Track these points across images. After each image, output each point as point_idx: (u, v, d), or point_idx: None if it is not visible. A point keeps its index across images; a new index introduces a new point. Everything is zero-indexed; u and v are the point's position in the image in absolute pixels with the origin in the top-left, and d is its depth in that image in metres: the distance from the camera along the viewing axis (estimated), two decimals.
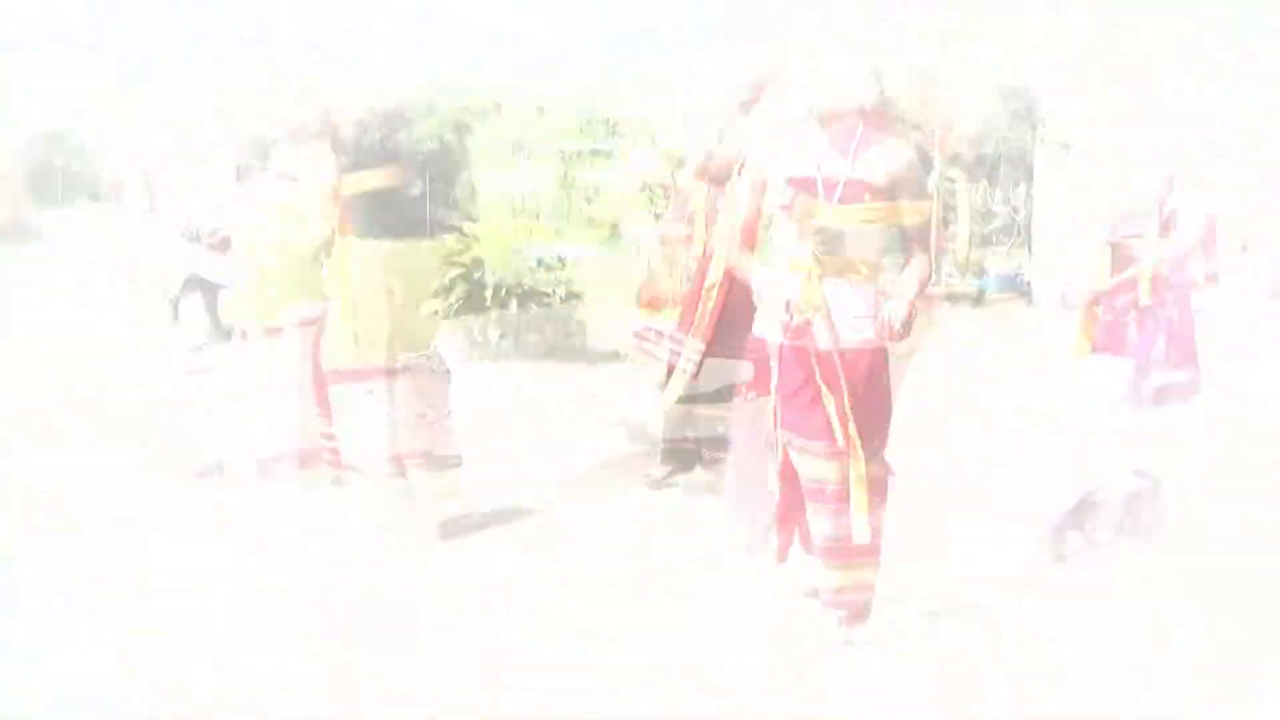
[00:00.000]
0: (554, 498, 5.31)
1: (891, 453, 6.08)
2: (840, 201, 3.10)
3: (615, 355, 9.17)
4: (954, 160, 15.25)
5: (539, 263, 8.97)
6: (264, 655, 3.61)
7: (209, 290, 5.12)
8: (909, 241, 3.23)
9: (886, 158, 3.15)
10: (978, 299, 13.06)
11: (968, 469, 5.79)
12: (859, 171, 3.13)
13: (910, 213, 3.17)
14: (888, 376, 3.24)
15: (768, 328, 3.27)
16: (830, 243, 3.09)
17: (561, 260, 9.25)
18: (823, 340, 3.12)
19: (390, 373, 8.44)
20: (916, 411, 7.13)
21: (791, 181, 3.16)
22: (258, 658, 3.59)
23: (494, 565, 4.42)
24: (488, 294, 8.73)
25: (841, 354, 3.11)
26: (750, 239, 3.24)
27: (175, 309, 6.03)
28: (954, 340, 10.09)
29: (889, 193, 3.14)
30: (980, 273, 14.77)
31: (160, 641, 3.69)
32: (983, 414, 6.98)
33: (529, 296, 8.84)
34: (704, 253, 4.90)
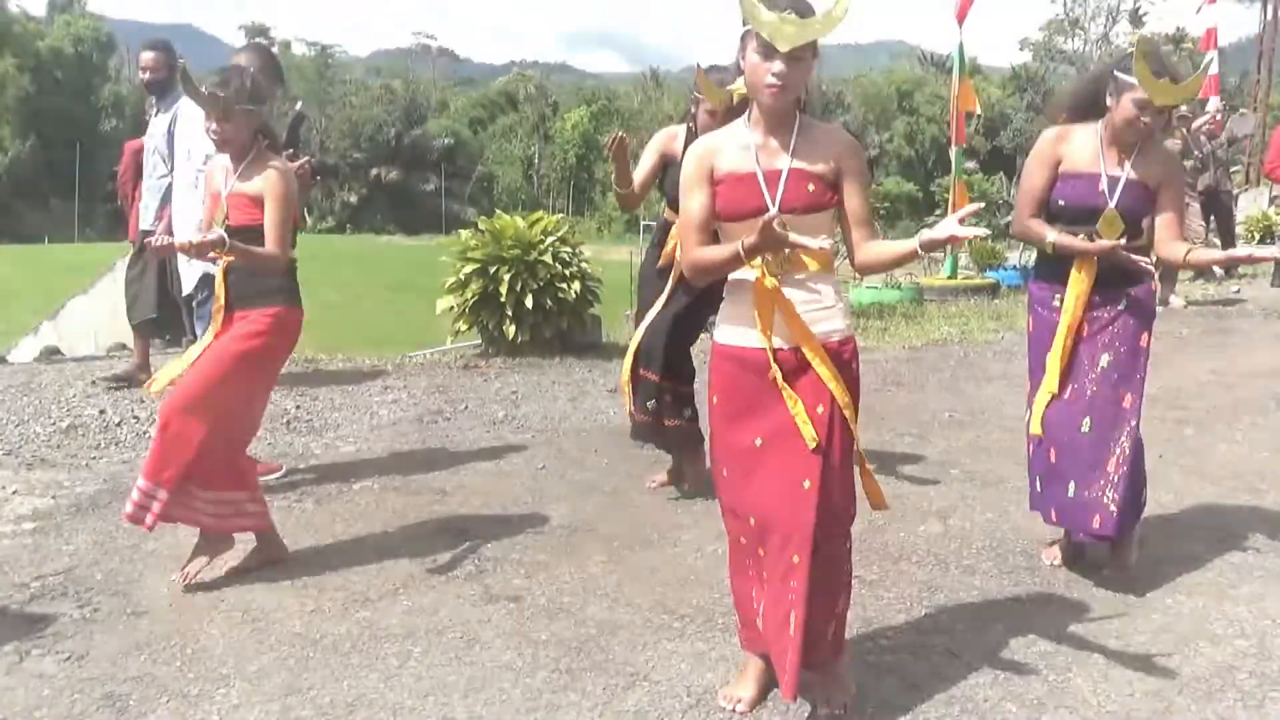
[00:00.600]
0: (567, 496, 5.30)
1: (902, 446, 6.11)
2: (784, 194, 2.98)
3: None
4: (968, 152, 15.22)
5: (554, 257, 8.95)
6: (265, 663, 3.60)
7: None
8: (860, 225, 3.05)
9: (826, 143, 3.02)
10: (994, 291, 13.06)
11: (981, 462, 5.76)
12: (800, 161, 3.00)
13: (857, 197, 3.03)
14: (857, 366, 3.12)
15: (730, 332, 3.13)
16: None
17: (577, 255, 9.24)
18: (780, 338, 3.02)
19: (404, 370, 8.50)
20: (928, 406, 7.13)
21: (730, 177, 3.05)
22: (259, 664, 3.58)
23: (504, 567, 4.40)
24: (503, 290, 8.71)
25: (807, 350, 2.99)
26: (702, 237, 3.10)
27: (190, 308, 6.06)
28: (970, 332, 10.08)
29: (832, 180, 3.02)
30: (997, 265, 14.75)
31: (161, 649, 3.69)
32: (997, 406, 6.96)
33: (544, 292, 8.82)
34: None
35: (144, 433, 6.29)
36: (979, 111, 15.02)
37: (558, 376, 8.08)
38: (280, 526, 4.47)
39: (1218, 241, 13.38)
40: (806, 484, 2.96)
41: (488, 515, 5.00)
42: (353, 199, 61.65)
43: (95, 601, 4.00)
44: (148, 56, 7.10)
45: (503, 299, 8.70)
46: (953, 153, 13.95)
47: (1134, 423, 4.10)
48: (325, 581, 4.19)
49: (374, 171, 61.87)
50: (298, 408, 6.95)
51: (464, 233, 9.51)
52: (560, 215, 10.77)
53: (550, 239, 9.01)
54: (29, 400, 7.03)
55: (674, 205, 5.04)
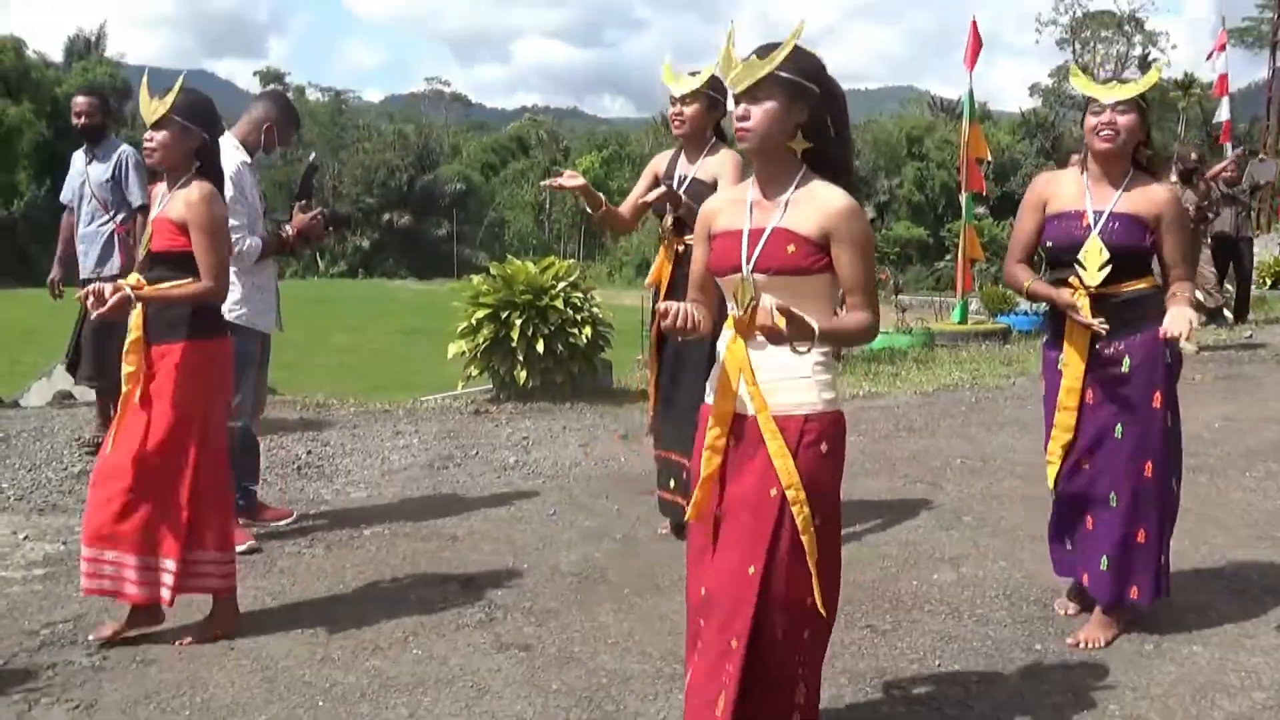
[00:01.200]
0: (578, 543, 5.27)
1: (914, 493, 6.08)
2: (761, 253, 2.84)
3: (644, 395, 9.15)
4: (978, 197, 15.24)
5: (565, 303, 8.97)
6: (274, 713, 3.59)
7: None
8: (849, 292, 2.88)
9: (821, 204, 2.86)
10: (1006, 336, 13.05)
11: (993, 509, 5.73)
12: (787, 221, 2.85)
13: (848, 264, 2.84)
14: (831, 448, 2.86)
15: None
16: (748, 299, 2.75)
17: (588, 300, 9.26)
18: (744, 405, 2.91)
19: (415, 414, 8.51)
20: (940, 451, 7.10)
21: (722, 233, 2.96)
22: (268, 714, 3.57)
23: (515, 615, 4.38)
24: (514, 335, 8.73)
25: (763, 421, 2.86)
26: (706, 294, 3.05)
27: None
28: (981, 378, 10.05)
29: (820, 243, 2.84)
30: (1009, 310, 14.74)
31: (170, 698, 3.68)
32: (1009, 452, 6.92)
33: (555, 337, 8.83)
34: None
35: None
36: (989, 158, 15.05)
37: (569, 422, 8.08)
38: (291, 573, 4.46)
39: (1231, 289, 13.38)
40: (751, 570, 2.80)
41: (498, 562, 4.98)
42: (365, 244, 62.02)
43: (104, 649, 3.98)
44: (81, 102, 7.05)
45: (514, 344, 8.72)
46: (963, 198, 13.99)
47: (1161, 489, 4.01)
48: (335, 629, 4.17)
49: (386, 216, 62.27)
50: (308, 453, 6.96)
51: (475, 278, 9.54)
52: (571, 260, 10.82)
53: (561, 284, 9.04)
54: (41, 445, 7.05)
55: (660, 218, 5.20)
